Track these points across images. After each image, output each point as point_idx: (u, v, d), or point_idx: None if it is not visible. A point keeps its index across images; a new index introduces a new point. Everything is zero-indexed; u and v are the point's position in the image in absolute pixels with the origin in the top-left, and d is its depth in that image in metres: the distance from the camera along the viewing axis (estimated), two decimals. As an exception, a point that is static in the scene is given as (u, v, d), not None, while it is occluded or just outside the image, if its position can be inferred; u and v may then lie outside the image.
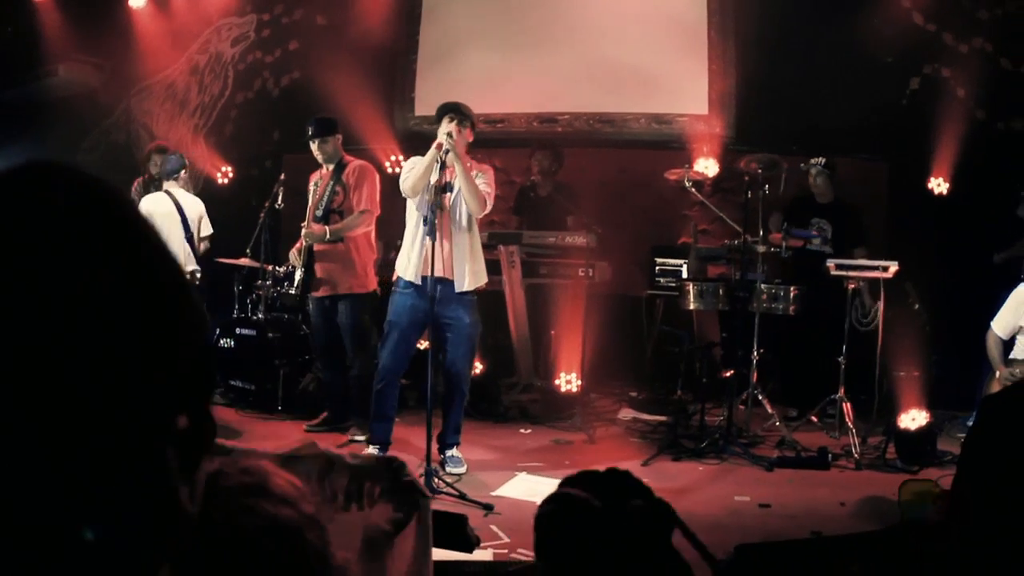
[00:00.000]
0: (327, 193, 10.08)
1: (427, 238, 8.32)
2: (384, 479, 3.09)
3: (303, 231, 10.02)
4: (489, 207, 9.07)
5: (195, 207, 11.38)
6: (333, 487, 3.12)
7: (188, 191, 11.52)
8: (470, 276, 8.89)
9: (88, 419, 1.11)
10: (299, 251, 10.04)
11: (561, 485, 2.07)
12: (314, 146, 10.06)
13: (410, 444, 9.37)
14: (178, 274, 1.28)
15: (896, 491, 7.49)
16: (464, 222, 8.89)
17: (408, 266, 8.91)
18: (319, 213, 10.08)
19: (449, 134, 8.58)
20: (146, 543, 1.19)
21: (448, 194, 8.81)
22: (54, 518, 1.10)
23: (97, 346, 1.11)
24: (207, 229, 11.52)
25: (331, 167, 10.16)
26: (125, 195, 1.25)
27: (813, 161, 11.41)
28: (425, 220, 8.42)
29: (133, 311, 1.16)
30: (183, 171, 11.42)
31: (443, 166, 8.57)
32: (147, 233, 1.25)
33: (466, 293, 8.91)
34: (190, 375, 1.24)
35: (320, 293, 10.17)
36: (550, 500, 2.05)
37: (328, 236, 9.86)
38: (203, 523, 1.36)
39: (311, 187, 10.30)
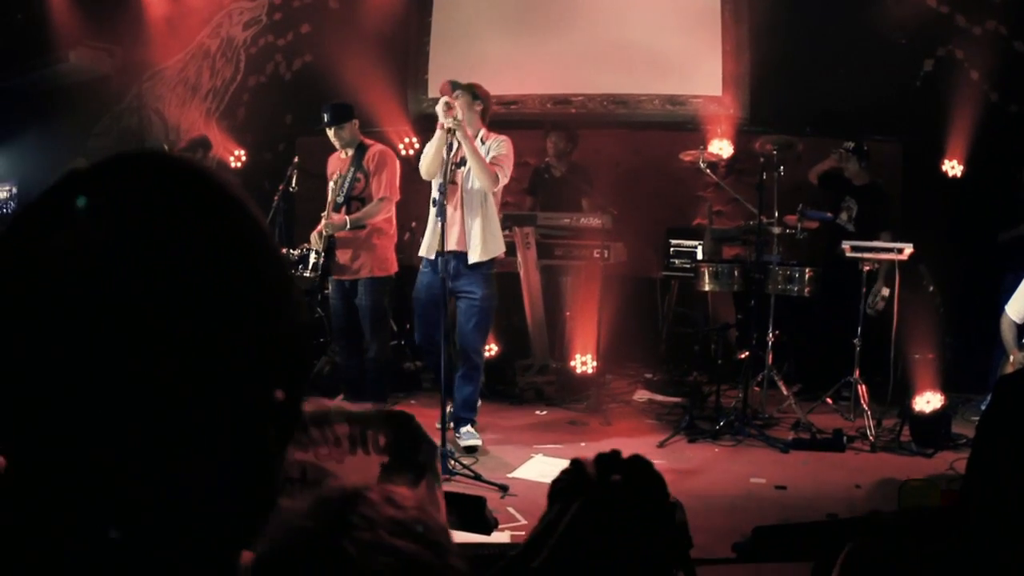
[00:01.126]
0: (348, 180, 10.03)
1: (438, 217, 8.39)
2: (387, 428, 3.08)
3: (323, 221, 10.01)
4: (504, 180, 9.18)
5: None
6: (335, 433, 3.11)
7: None
8: (482, 247, 8.93)
9: (199, 391, 1.16)
10: (319, 234, 10.02)
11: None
12: (330, 133, 9.98)
13: (427, 427, 9.35)
14: (278, 254, 1.33)
15: (910, 474, 7.51)
16: (476, 195, 8.96)
17: (424, 244, 9.07)
18: (340, 200, 10.03)
19: (447, 105, 8.58)
20: (245, 513, 1.26)
21: (462, 169, 8.95)
22: (157, 485, 1.15)
23: (210, 325, 1.17)
24: None
25: (351, 152, 10.10)
26: (227, 180, 1.30)
27: (844, 145, 11.40)
28: (434, 202, 8.48)
29: (240, 289, 1.22)
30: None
31: (451, 147, 8.58)
32: (250, 214, 1.29)
33: (480, 265, 8.96)
34: (289, 351, 1.29)
35: (341, 276, 10.12)
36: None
37: (348, 226, 9.84)
38: (332, 553, 1.40)
39: (330, 173, 10.28)
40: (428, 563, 1.46)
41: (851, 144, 11.38)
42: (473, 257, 8.90)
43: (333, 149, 10.22)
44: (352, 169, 10.01)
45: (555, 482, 2.05)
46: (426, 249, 9.05)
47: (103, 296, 1.13)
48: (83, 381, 1.12)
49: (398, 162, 10.21)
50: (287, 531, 1.45)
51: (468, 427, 9.24)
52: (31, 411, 1.14)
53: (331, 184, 10.07)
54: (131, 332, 1.13)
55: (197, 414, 1.16)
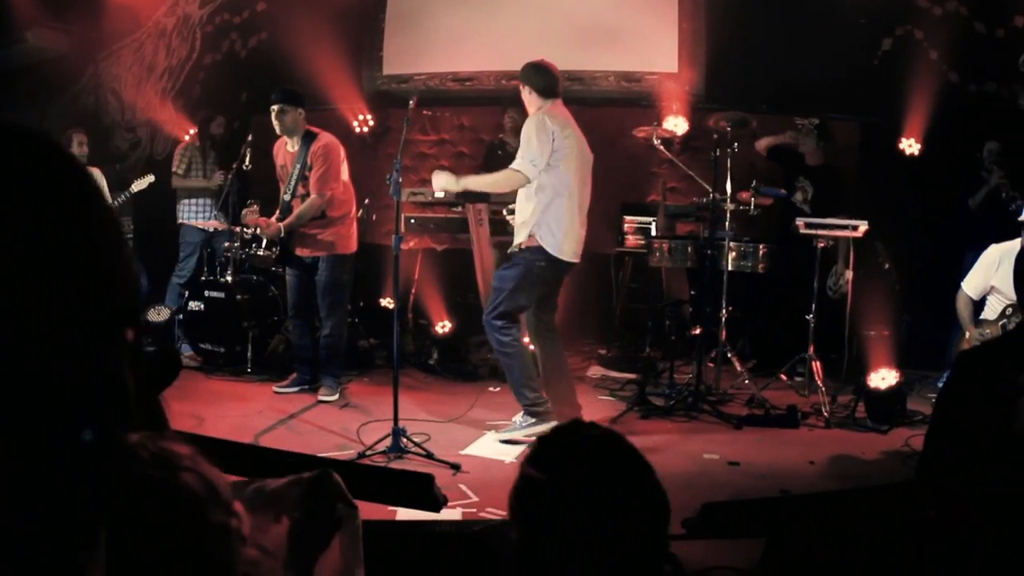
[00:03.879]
0: (295, 178, 10.08)
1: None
2: (304, 489, 3.09)
3: (258, 229, 10.09)
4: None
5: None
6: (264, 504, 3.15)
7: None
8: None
9: (51, 327, 1.28)
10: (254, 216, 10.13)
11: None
12: (273, 112, 9.97)
13: (384, 404, 9.25)
14: (109, 214, 1.45)
15: (864, 451, 7.52)
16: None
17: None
18: (287, 197, 10.13)
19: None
20: (103, 428, 1.34)
21: None
22: (30, 416, 1.25)
23: (55, 271, 1.29)
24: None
25: (297, 144, 10.11)
26: (63, 148, 1.42)
27: (803, 121, 11.41)
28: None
29: (77, 243, 1.34)
30: None
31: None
32: (82, 176, 1.41)
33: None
34: (127, 293, 1.43)
35: (301, 253, 10.13)
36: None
37: (282, 234, 9.84)
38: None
39: (278, 163, 10.31)
40: (190, 489, 1.57)
41: (816, 120, 11.40)
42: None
43: (281, 139, 10.25)
44: (298, 166, 10.06)
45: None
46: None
47: None
48: None
49: (343, 152, 10.25)
50: None
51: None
52: None
53: (278, 169, 10.14)
54: None
55: (56, 346, 1.28)
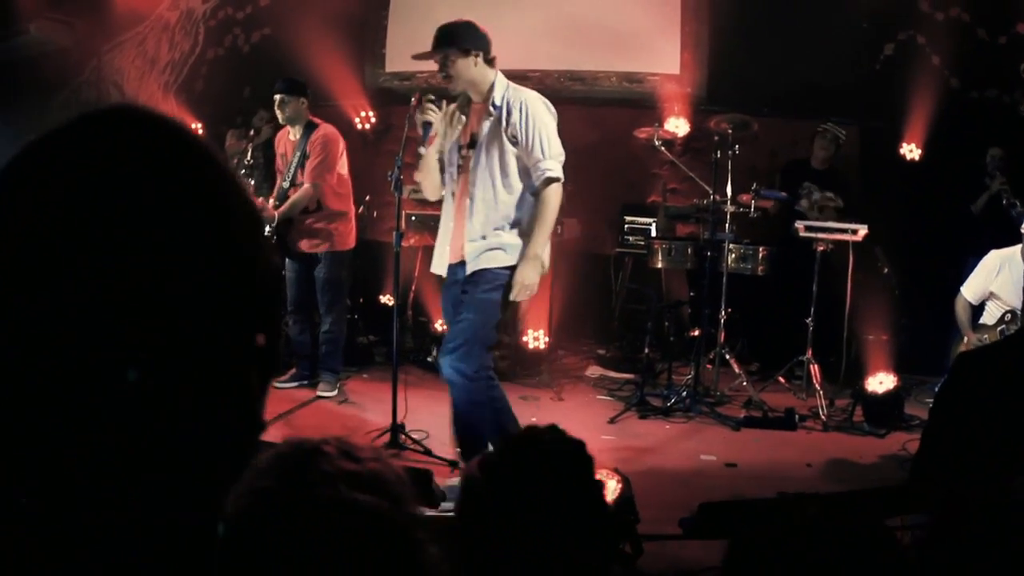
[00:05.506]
0: (294, 166, 10.09)
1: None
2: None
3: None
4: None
5: None
6: None
7: None
8: None
9: (186, 340, 1.24)
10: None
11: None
12: (276, 101, 9.99)
13: (383, 401, 9.23)
14: (252, 208, 1.40)
15: (862, 454, 7.55)
16: None
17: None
18: (285, 185, 10.13)
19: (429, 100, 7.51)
20: (234, 451, 1.34)
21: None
22: (152, 426, 1.22)
23: (191, 276, 1.25)
24: None
25: (299, 133, 10.12)
26: (200, 137, 1.39)
27: (828, 127, 11.41)
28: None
29: (212, 237, 1.30)
30: None
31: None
32: (216, 162, 1.36)
33: None
34: (266, 299, 1.40)
35: (301, 248, 10.14)
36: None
37: (275, 221, 9.84)
38: (295, 512, 1.54)
39: (280, 152, 10.33)
40: (387, 514, 1.55)
41: (844, 131, 11.42)
42: None
43: (284, 129, 10.28)
44: (298, 155, 10.05)
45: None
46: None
47: (78, 253, 1.19)
48: (67, 336, 1.17)
49: (342, 145, 10.23)
50: (249, 493, 1.54)
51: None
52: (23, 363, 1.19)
53: (278, 158, 10.28)
54: (110, 286, 1.19)
55: (183, 361, 1.23)
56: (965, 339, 9.16)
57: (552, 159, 7.00)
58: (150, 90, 15.32)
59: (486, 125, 7.18)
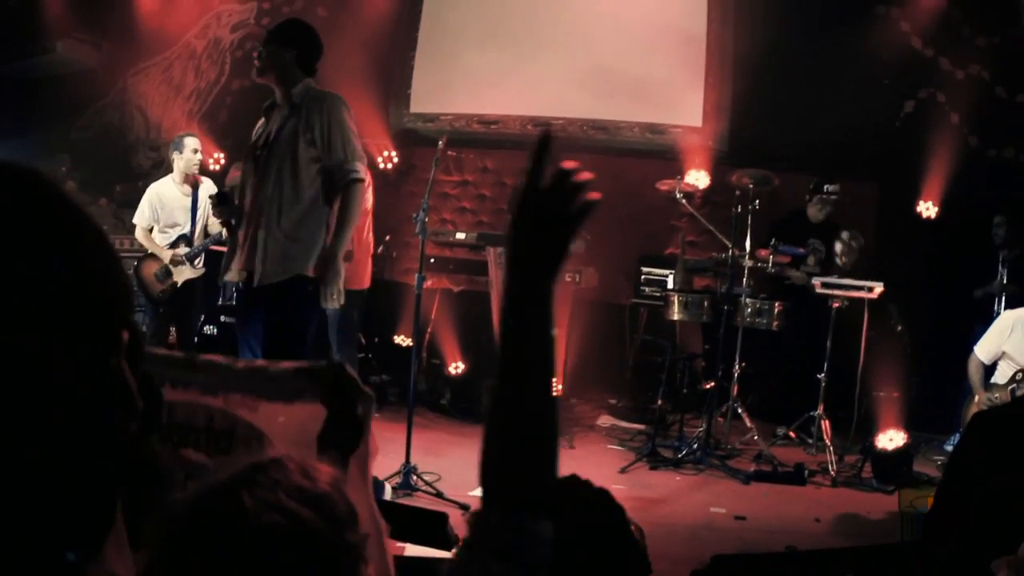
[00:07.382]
0: None
1: None
2: (318, 380, 3.12)
3: None
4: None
5: None
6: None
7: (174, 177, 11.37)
8: None
9: (53, 339, 1.37)
10: None
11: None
12: None
13: (394, 442, 9.27)
14: (97, 231, 1.53)
15: (870, 510, 7.55)
16: None
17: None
18: None
19: None
20: (109, 427, 1.45)
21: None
22: (35, 408, 1.35)
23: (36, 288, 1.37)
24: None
25: None
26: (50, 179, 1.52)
27: (830, 188, 11.36)
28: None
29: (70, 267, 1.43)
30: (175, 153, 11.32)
31: None
32: (70, 202, 1.50)
33: None
34: (121, 303, 1.53)
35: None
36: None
37: None
38: (228, 502, 1.58)
39: None
40: (318, 530, 1.59)
41: (837, 187, 11.38)
42: None
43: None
44: None
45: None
46: None
47: None
48: None
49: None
50: (201, 484, 1.64)
51: None
52: None
53: None
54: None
55: (61, 355, 1.37)
56: (976, 397, 9.19)
57: (357, 160, 7.13)
58: (173, 117, 15.40)
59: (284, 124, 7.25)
